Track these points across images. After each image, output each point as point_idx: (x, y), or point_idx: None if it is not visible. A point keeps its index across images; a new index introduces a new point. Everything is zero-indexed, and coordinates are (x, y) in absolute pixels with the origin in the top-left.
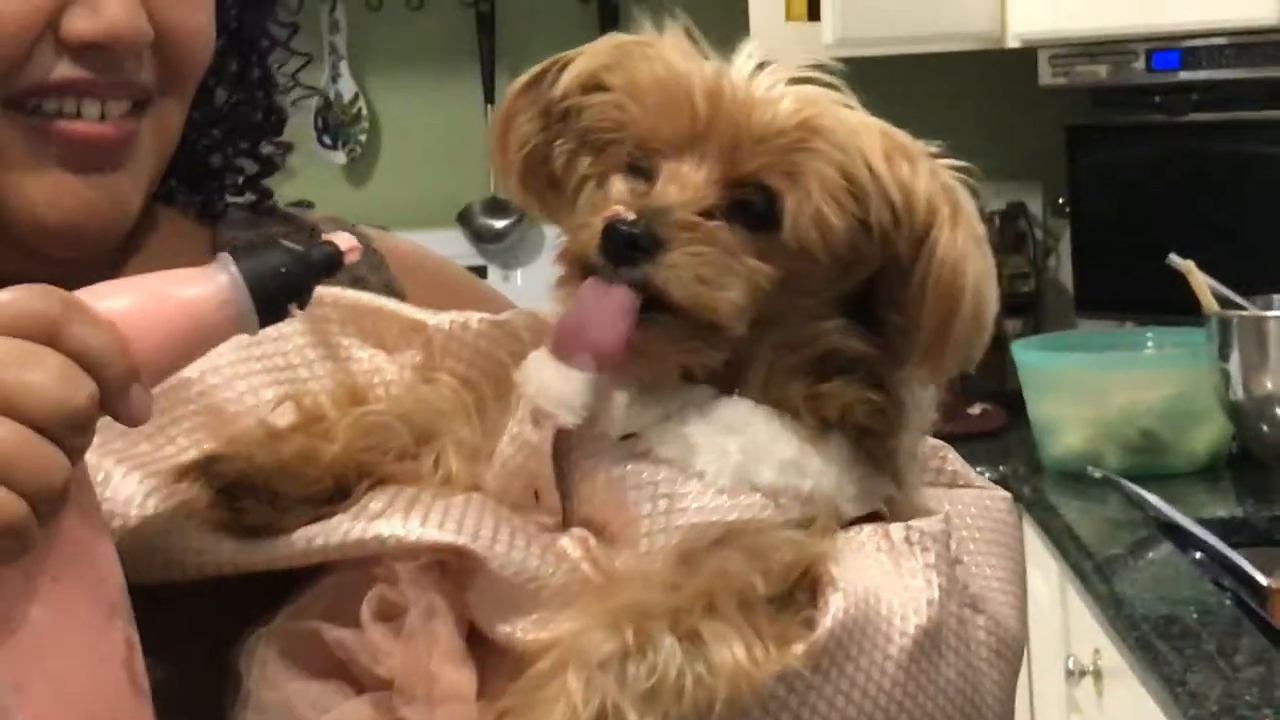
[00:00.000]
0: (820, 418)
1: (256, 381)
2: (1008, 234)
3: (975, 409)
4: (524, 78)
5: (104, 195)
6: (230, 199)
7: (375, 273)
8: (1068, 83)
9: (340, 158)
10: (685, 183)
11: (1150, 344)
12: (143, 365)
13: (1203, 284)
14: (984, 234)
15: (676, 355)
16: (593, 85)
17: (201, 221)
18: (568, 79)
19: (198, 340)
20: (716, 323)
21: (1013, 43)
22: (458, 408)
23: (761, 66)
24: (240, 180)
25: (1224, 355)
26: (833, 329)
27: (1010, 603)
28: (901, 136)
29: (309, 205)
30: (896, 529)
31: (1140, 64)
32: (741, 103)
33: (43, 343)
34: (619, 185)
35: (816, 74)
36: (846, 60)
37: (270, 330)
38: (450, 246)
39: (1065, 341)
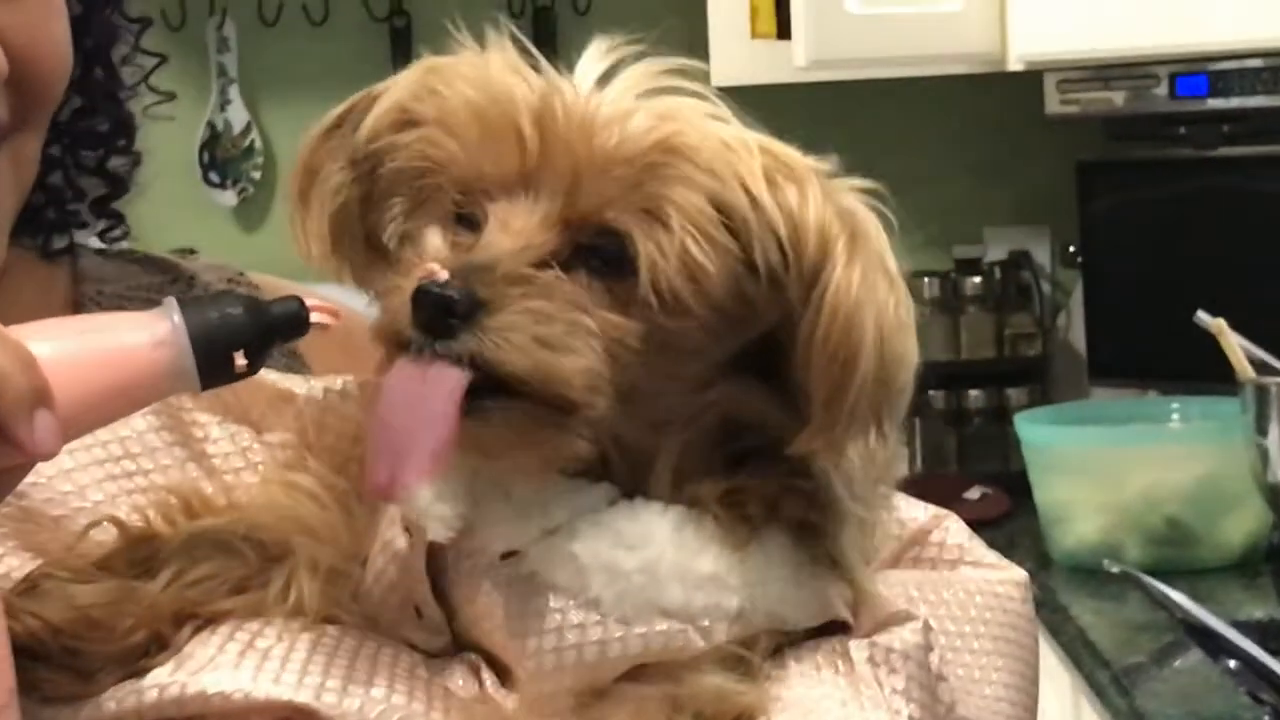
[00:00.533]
0: (741, 517)
1: (84, 479)
2: (1010, 288)
3: (973, 493)
4: (324, 121)
5: None
6: (77, 237)
7: None
8: (1078, 112)
9: (229, 198)
10: (516, 229)
11: (1175, 416)
12: (62, 417)
13: (1236, 346)
14: (895, 271)
15: (527, 448)
16: (405, 122)
17: (53, 265)
18: (374, 118)
19: (125, 394)
20: (568, 398)
21: (1015, 65)
22: (322, 514)
23: (609, 76)
24: (83, 209)
25: (1261, 429)
26: (726, 393)
27: None
28: (788, 154)
29: (192, 253)
30: (858, 647)
31: (1162, 90)
32: (579, 124)
33: None
34: (434, 239)
35: (681, 82)
36: (818, 85)
37: None
38: (359, 300)
39: (1077, 414)
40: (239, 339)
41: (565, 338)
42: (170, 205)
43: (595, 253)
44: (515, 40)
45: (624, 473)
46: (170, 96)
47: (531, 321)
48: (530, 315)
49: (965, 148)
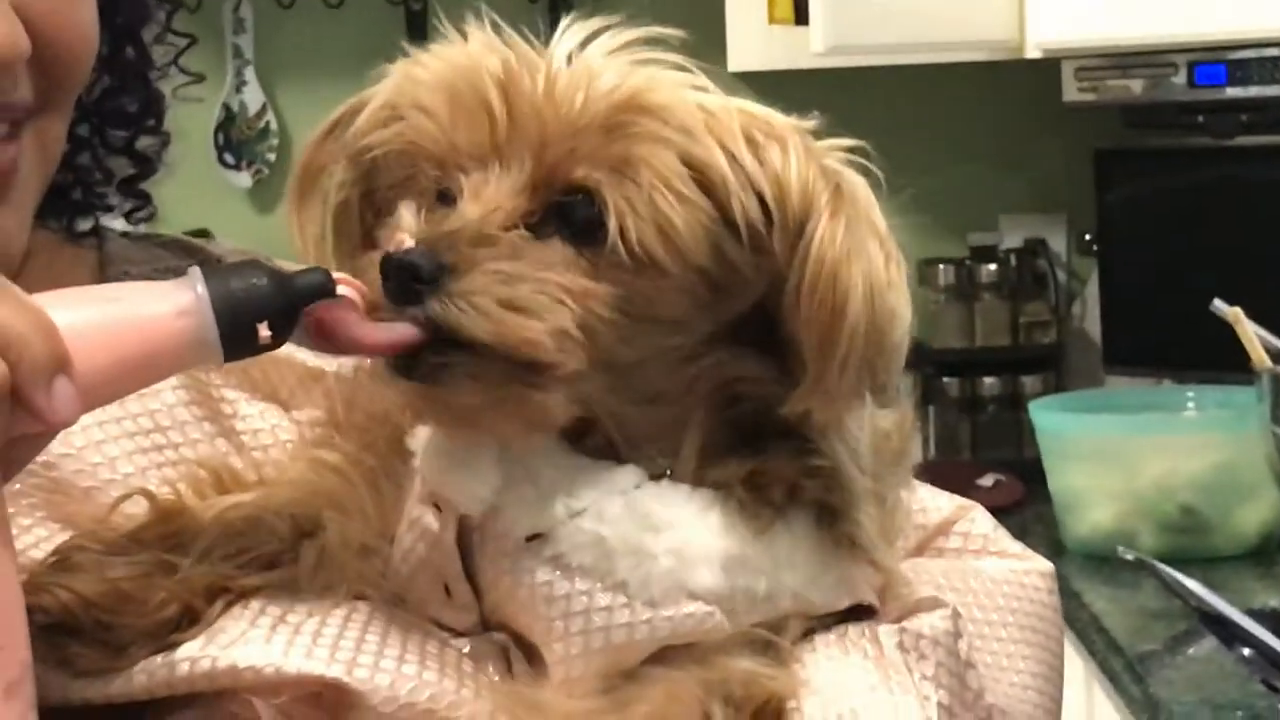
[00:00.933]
0: (764, 500)
1: (115, 451)
2: (1025, 275)
3: (987, 480)
4: (323, 125)
5: None
6: (103, 219)
7: None
8: (1096, 100)
9: (244, 179)
10: (487, 197)
11: (1191, 405)
12: (81, 386)
13: (1252, 335)
14: (884, 229)
15: (495, 409)
16: (393, 118)
17: (79, 247)
18: (365, 116)
19: (146, 364)
20: (535, 358)
21: (1032, 53)
22: (350, 491)
23: (586, 45)
24: (110, 190)
25: (1277, 418)
26: (716, 364)
27: (1041, 710)
28: (768, 114)
29: (207, 234)
30: (887, 633)
31: (1180, 78)
32: (546, 90)
33: None
34: (407, 213)
35: (656, 52)
36: (834, 71)
37: None
38: None
39: (1092, 402)
40: (264, 310)
41: (531, 297)
42: (185, 186)
43: (567, 217)
44: (493, 23)
45: (628, 450)
46: (200, 78)
47: (496, 282)
48: (495, 277)
49: (982, 135)
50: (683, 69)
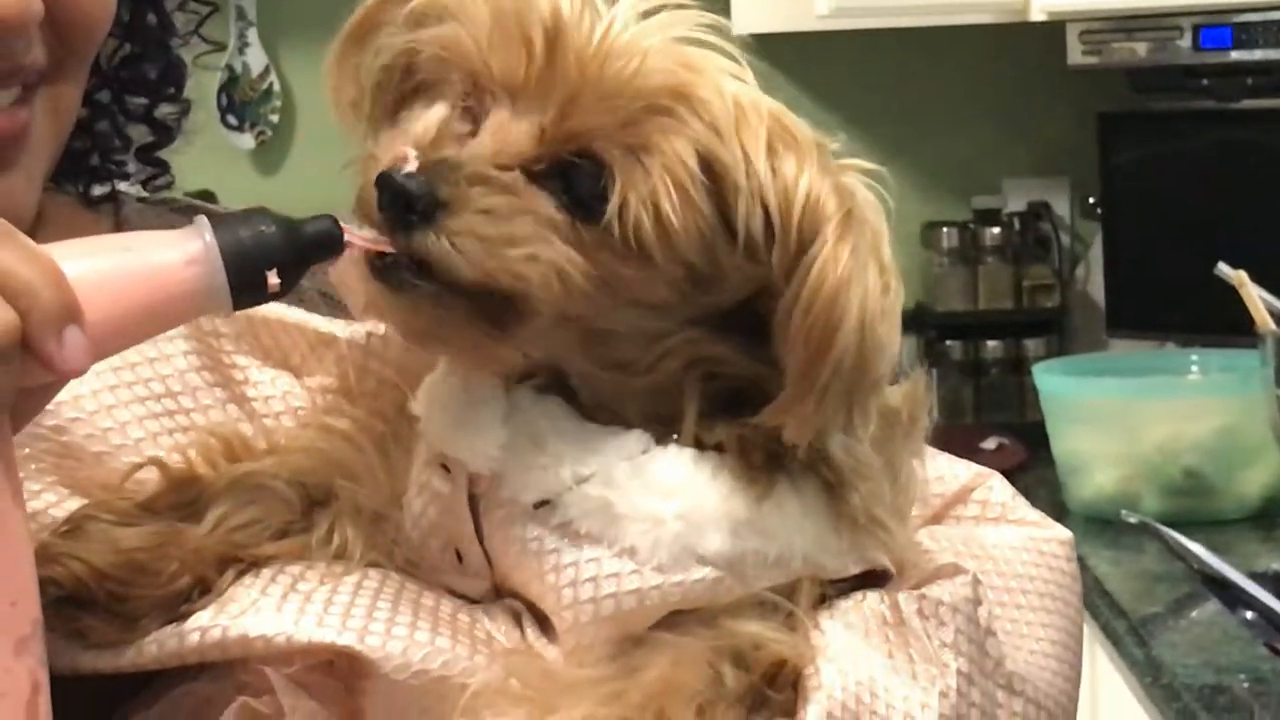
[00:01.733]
0: (752, 464)
1: (125, 416)
2: (1029, 239)
3: (990, 443)
4: None
5: None
6: (119, 185)
7: (308, 277)
8: (1100, 63)
9: (247, 141)
10: (503, 135)
11: (1194, 368)
12: (91, 335)
13: (1256, 298)
14: (888, 259)
15: (453, 340)
16: (442, 17)
17: (96, 213)
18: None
19: (156, 313)
20: (518, 293)
21: (1037, 16)
22: (360, 458)
23: (651, 15)
24: (127, 158)
25: None
26: (688, 340)
27: (1061, 678)
28: (796, 125)
29: (210, 196)
30: (906, 599)
31: (1185, 42)
32: (597, 48)
33: None
34: (423, 121)
35: (712, 37)
36: (839, 34)
37: (147, 349)
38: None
39: (1095, 365)
40: (272, 257)
41: (521, 231)
42: (187, 148)
43: (570, 180)
44: None
45: (600, 413)
46: (220, 46)
47: (487, 222)
48: (487, 216)
49: (986, 98)
50: (729, 55)
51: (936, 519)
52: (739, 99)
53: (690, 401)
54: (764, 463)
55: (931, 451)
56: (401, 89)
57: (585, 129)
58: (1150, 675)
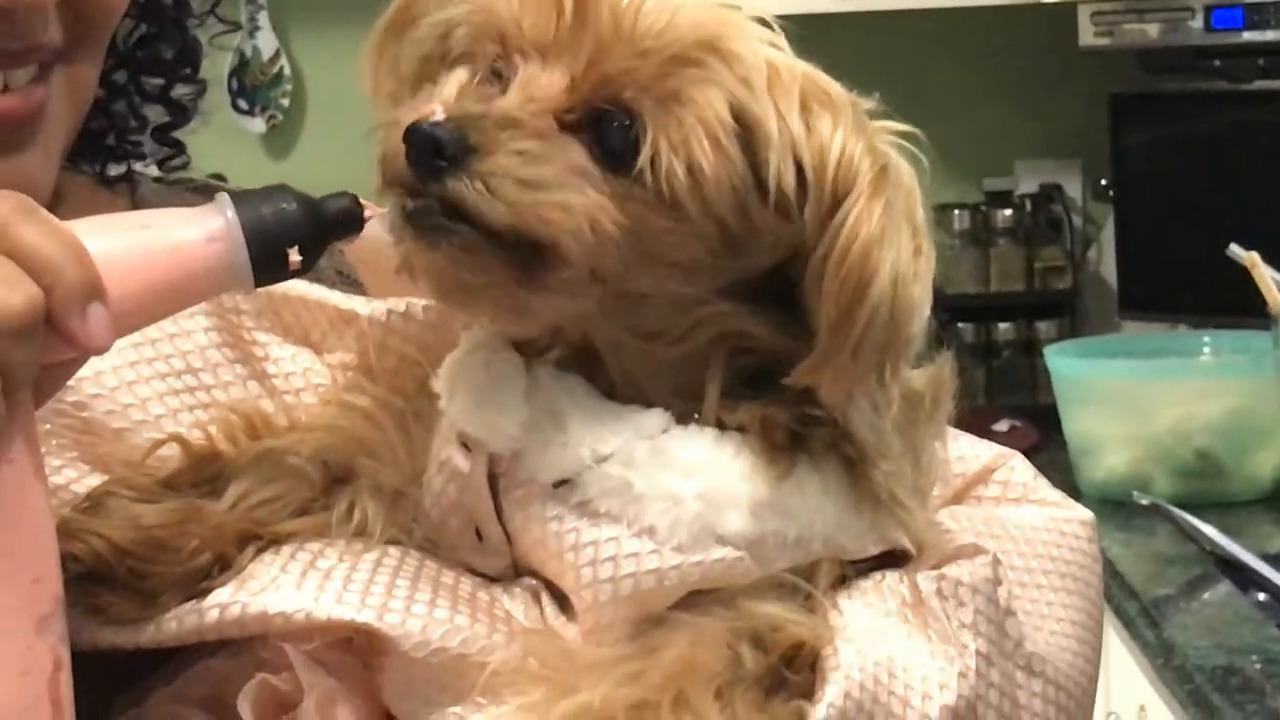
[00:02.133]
0: (775, 444)
1: (146, 392)
2: (1041, 221)
3: (1002, 425)
4: None
5: (9, 183)
6: (135, 165)
7: (326, 257)
8: (1112, 44)
9: (258, 125)
10: (533, 90)
11: (1206, 350)
12: (113, 312)
13: (1268, 279)
14: (922, 223)
15: (483, 291)
16: None
17: (113, 192)
18: None
19: (178, 290)
20: (550, 239)
21: None
22: (380, 435)
23: None
24: (143, 138)
25: None
26: (720, 312)
27: (1081, 659)
28: (830, 85)
29: (221, 180)
30: (926, 579)
31: (1197, 23)
32: (625, 2)
33: None
34: (451, 82)
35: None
36: (850, 16)
37: (167, 325)
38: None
39: (1107, 347)
40: (293, 235)
41: (553, 175)
42: (198, 132)
43: (602, 132)
44: None
45: (624, 385)
46: (236, 26)
47: (519, 163)
48: (519, 158)
49: (997, 79)
50: (764, 23)
51: (957, 499)
52: (771, 56)
53: (714, 379)
54: (785, 443)
55: (953, 432)
56: (438, 72)
57: (616, 79)
58: (1162, 657)
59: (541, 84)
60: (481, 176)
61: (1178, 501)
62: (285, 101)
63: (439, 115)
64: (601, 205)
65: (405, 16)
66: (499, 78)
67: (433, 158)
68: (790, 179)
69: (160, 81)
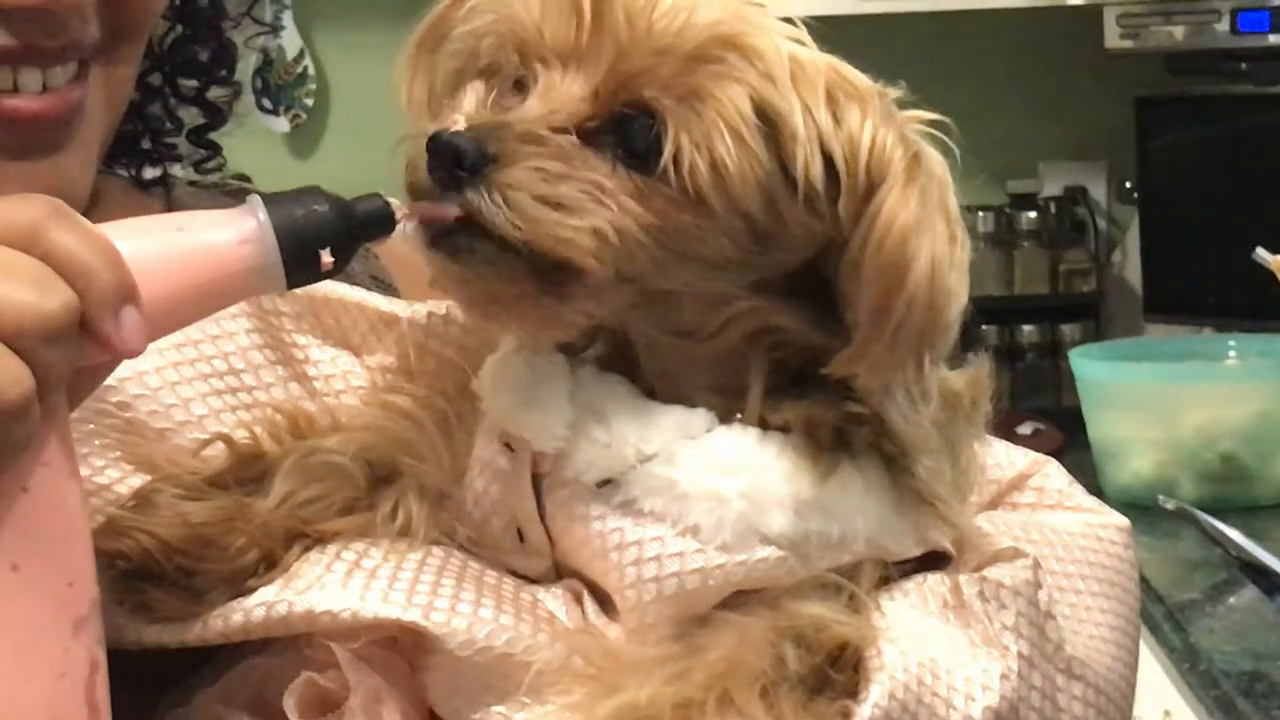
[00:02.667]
0: (817, 444)
1: (189, 392)
2: (1065, 223)
3: (1025, 428)
4: None
5: (47, 184)
6: (171, 168)
7: (360, 261)
8: (1138, 46)
9: (282, 124)
10: (554, 97)
11: (1232, 353)
12: (148, 315)
13: None
14: (955, 211)
15: (513, 304)
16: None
17: (148, 195)
18: None
19: (210, 292)
20: (569, 257)
21: None
22: (423, 436)
23: None
24: (179, 140)
25: None
26: (754, 307)
27: (1120, 664)
28: (855, 76)
29: (244, 180)
30: (968, 582)
31: (1223, 25)
32: (643, 3)
33: (18, 248)
34: (471, 95)
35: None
36: (874, 17)
37: (209, 326)
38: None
39: (1132, 350)
40: (325, 236)
41: (572, 194)
42: (222, 131)
43: (625, 133)
44: None
45: (663, 384)
46: (272, 29)
47: (538, 179)
48: (538, 173)
49: (1023, 82)
50: (786, 20)
51: (993, 505)
52: (794, 51)
53: (755, 378)
54: (829, 442)
55: (989, 438)
56: (469, 84)
57: (636, 80)
58: (1188, 662)
59: (562, 92)
60: (500, 188)
61: (1203, 505)
62: (309, 101)
63: (460, 125)
64: (624, 211)
65: (438, 30)
66: (522, 88)
67: (452, 167)
68: (819, 172)
69: (195, 83)
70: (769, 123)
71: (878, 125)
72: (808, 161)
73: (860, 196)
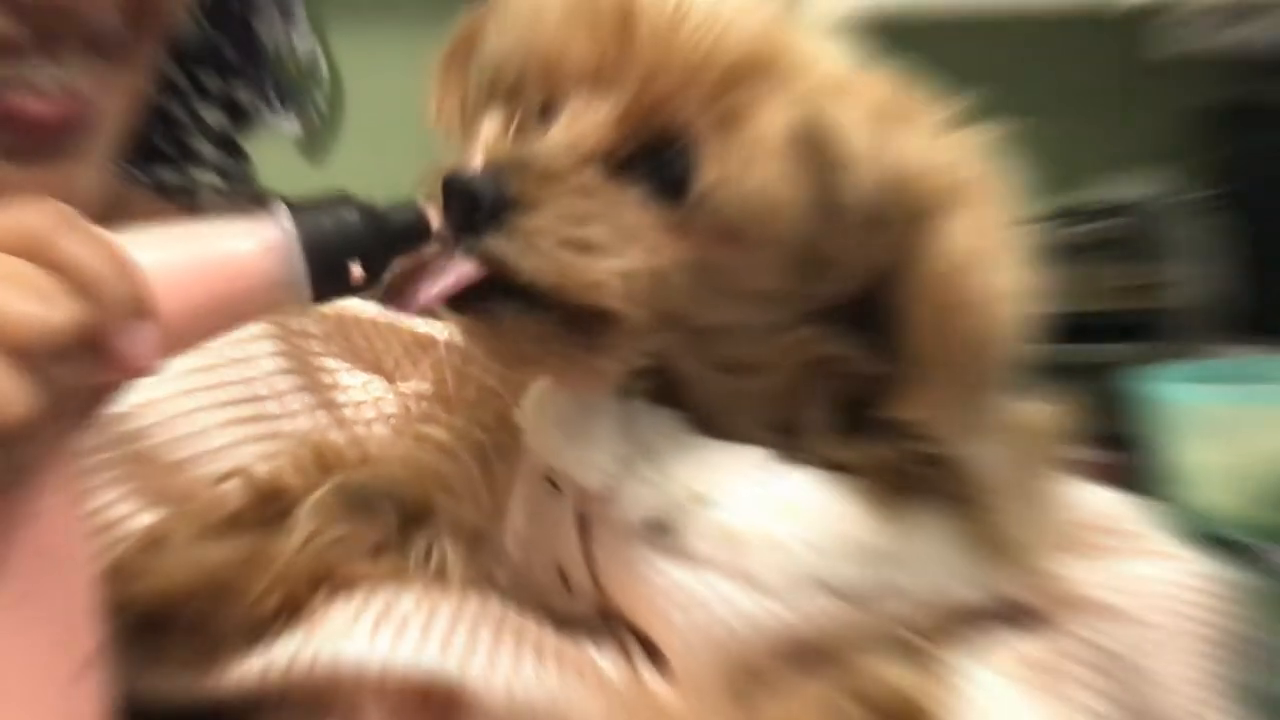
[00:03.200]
0: (886, 485)
1: (207, 421)
2: (1127, 236)
3: (1086, 453)
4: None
5: (56, 190)
6: (196, 173)
7: None
8: (1198, 52)
9: (293, 126)
10: (580, 126)
11: None
12: (163, 330)
13: None
14: (1017, 232)
15: (549, 360)
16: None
17: (172, 202)
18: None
19: (231, 306)
20: (599, 305)
21: (1138, 4)
22: (459, 470)
23: None
24: (202, 144)
25: None
26: (809, 339)
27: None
28: (908, 93)
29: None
30: (1051, 638)
31: None
32: (667, 21)
33: (24, 257)
34: (490, 125)
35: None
36: (928, 23)
37: (230, 349)
38: None
39: (1203, 371)
40: (354, 247)
41: (600, 236)
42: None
43: (657, 162)
44: None
45: (715, 420)
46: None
47: (563, 224)
48: (562, 217)
49: (1081, 89)
50: (838, 28)
51: (1073, 548)
52: (838, 66)
53: (814, 413)
54: (895, 483)
55: (1068, 479)
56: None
57: (666, 105)
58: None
59: (588, 119)
60: (522, 233)
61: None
62: (322, 102)
63: (476, 166)
64: (656, 250)
65: (466, 45)
66: (549, 112)
67: (470, 212)
68: (865, 196)
69: (222, 83)
70: (814, 146)
71: (932, 145)
72: (854, 186)
73: (912, 224)
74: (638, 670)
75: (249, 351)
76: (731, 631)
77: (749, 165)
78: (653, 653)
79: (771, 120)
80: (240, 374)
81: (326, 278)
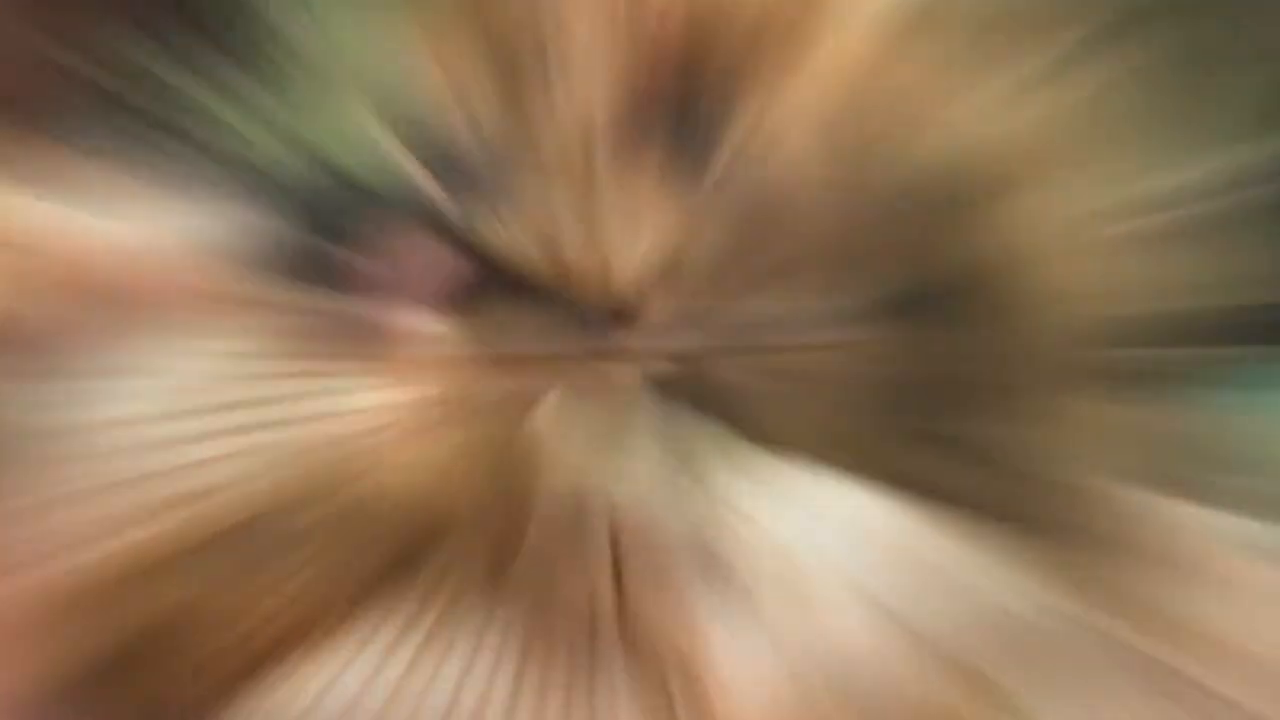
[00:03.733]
0: (945, 500)
1: (186, 430)
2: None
3: None
4: None
5: None
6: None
7: None
8: None
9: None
10: (584, 89)
11: None
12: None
13: None
14: (1097, 215)
15: (560, 367)
16: None
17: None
18: None
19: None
20: (614, 299)
21: None
22: (468, 479)
23: None
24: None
25: None
26: (859, 338)
27: None
28: (971, 45)
29: None
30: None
31: None
32: None
33: None
34: (487, 93)
35: None
36: None
37: (215, 344)
38: None
39: None
40: (337, 227)
41: (611, 219)
42: None
43: (673, 133)
44: None
45: (765, 431)
46: None
47: (567, 203)
48: (566, 196)
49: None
50: None
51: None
52: (889, 12)
53: (867, 422)
54: (959, 498)
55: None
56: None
57: (687, 65)
58: None
59: (595, 81)
60: (520, 220)
61: None
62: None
63: (470, 140)
64: (677, 232)
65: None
66: (551, 76)
67: (467, 198)
68: (919, 172)
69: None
70: (853, 110)
71: (995, 111)
72: (906, 159)
73: (974, 202)
74: (674, 701)
75: (239, 351)
76: (782, 661)
77: (778, 136)
78: (691, 681)
79: (809, 82)
80: (231, 375)
81: (309, 261)
